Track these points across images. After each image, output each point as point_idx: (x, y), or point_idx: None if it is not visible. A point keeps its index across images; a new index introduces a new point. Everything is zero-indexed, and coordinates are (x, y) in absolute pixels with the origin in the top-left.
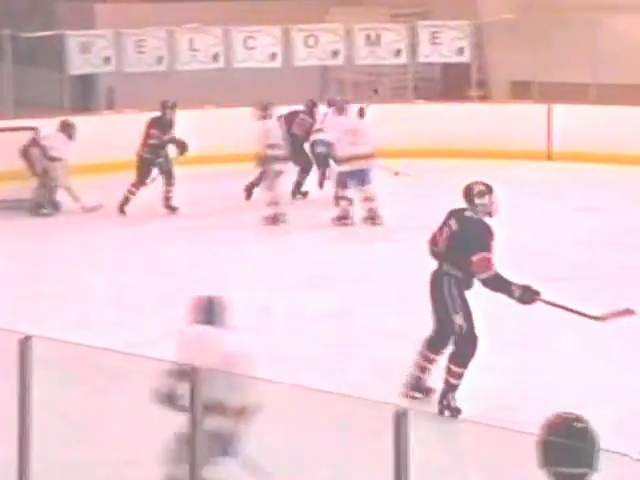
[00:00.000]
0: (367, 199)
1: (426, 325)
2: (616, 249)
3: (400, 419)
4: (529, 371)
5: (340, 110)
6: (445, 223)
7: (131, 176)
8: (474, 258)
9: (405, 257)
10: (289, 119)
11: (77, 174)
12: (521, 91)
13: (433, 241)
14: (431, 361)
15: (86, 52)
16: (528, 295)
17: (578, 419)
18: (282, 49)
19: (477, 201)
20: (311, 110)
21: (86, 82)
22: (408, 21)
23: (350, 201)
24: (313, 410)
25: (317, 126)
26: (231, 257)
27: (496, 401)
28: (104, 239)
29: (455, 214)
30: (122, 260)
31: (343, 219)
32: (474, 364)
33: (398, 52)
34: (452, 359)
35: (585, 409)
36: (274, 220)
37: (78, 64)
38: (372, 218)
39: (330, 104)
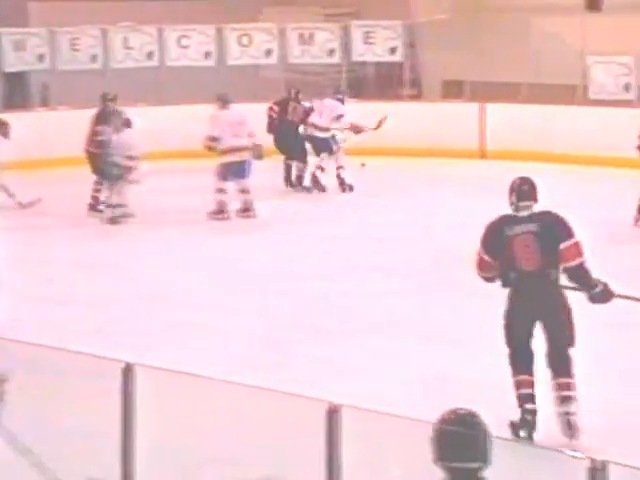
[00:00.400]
0: (243, 191)
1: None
2: None
3: (332, 416)
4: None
5: (223, 104)
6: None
7: (65, 173)
8: (563, 246)
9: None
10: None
11: (11, 170)
12: (453, 90)
13: (514, 265)
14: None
15: (20, 50)
16: (607, 293)
17: (470, 414)
18: (216, 48)
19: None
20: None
21: (20, 80)
22: (341, 21)
23: (225, 193)
24: (248, 406)
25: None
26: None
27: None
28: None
29: (519, 220)
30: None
31: (219, 213)
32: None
33: (332, 51)
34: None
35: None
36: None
37: (12, 62)
38: (246, 210)
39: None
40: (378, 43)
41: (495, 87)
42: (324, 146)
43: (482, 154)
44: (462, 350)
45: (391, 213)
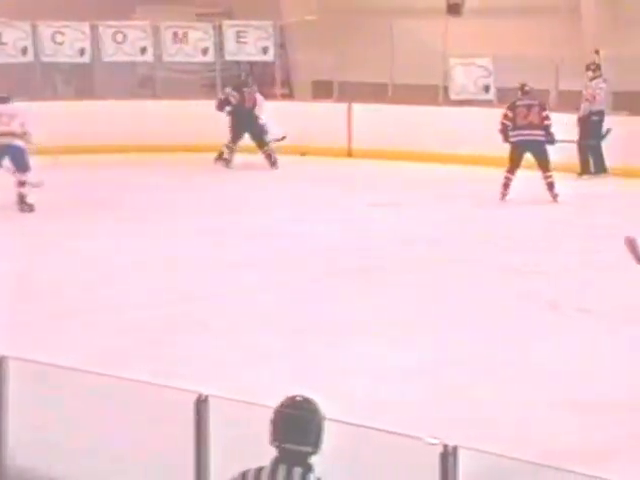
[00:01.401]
0: (19, 184)
1: None
2: (411, 244)
3: (201, 405)
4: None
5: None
6: None
7: None
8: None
9: None
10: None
11: None
12: (323, 90)
13: None
14: None
15: None
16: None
17: (307, 400)
18: (91, 45)
19: None
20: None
21: None
22: (214, 20)
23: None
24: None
25: None
26: None
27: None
28: None
29: None
30: None
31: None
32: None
33: (205, 50)
34: None
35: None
36: None
37: None
38: (21, 202)
39: None
40: (250, 43)
41: (363, 87)
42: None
43: (349, 153)
44: (334, 342)
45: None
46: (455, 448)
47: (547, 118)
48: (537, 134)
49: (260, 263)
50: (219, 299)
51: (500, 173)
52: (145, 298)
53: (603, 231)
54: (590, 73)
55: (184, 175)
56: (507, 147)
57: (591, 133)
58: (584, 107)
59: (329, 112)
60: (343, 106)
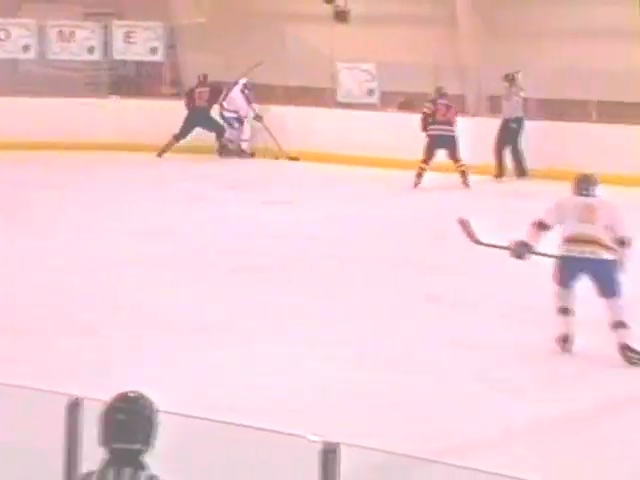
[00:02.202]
0: None
1: None
2: (307, 240)
3: (73, 409)
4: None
5: None
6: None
7: None
8: None
9: None
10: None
11: None
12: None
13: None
14: None
15: None
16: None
17: (135, 396)
18: None
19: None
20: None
21: None
22: (102, 20)
23: None
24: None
25: None
26: None
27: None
28: None
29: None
30: None
31: None
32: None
33: (91, 49)
34: None
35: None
36: None
37: None
38: None
39: None
40: (139, 43)
41: (255, 89)
42: None
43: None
44: (232, 341)
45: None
46: (336, 445)
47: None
48: (452, 130)
49: (151, 262)
50: (107, 296)
51: (387, 172)
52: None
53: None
54: (507, 83)
55: (62, 173)
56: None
57: (509, 138)
58: (509, 110)
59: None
60: None
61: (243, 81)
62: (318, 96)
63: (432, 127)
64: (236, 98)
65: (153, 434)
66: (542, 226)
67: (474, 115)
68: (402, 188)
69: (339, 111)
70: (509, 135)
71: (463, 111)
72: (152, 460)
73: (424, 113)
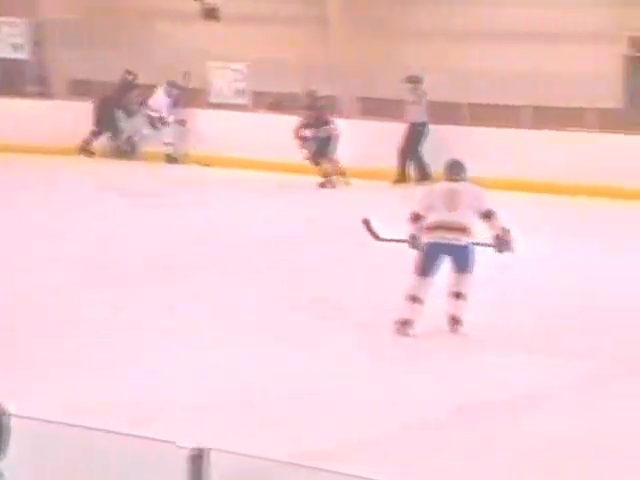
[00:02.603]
0: None
1: None
2: (198, 245)
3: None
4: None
5: None
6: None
7: None
8: None
9: None
10: None
11: None
12: (81, 90)
13: None
14: None
15: None
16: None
17: None
18: None
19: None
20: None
21: None
22: None
23: None
24: None
25: None
26: None
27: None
28: None
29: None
30: None
31: None
32: None
33: None
34: None
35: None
36: None
37: None
38: None
39: None
40: (2, 40)
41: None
42: None
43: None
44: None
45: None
46: (206, 451)
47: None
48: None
49: (43, 265)
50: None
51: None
52: None
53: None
54: (410, 85)
55: None
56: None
57: (414, 143)
58: (415, 115)
59: (87, 112)
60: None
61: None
62: (192, 97)
63: (314, 130)
64: (160, 97)
65: (6, 441)
66: (417, 217)
67: (347, 117)
68: (273, 190)
69: (211, 112)
70: (415, 140)
71: (335, 113)
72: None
73: (305, 125)
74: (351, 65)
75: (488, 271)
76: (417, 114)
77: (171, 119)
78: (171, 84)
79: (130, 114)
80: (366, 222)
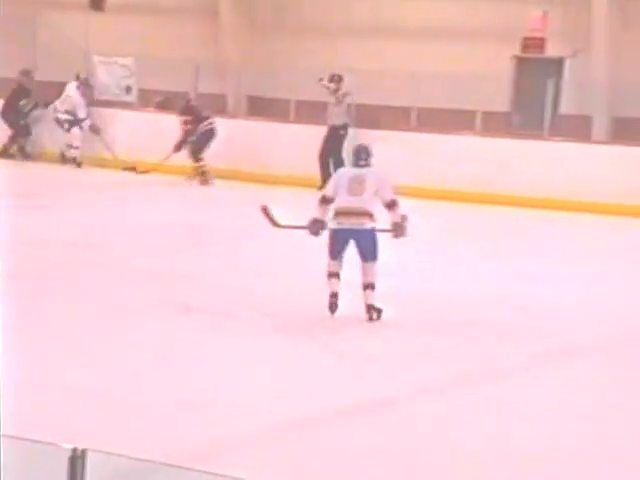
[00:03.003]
0: None
1: None
2: (61, 248)
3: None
4: None
5: None
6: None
7: None
8: None
9: None
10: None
11: None
12: None
13: None
14: None
15: None
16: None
17: None
18: None
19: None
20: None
21: None
22: None
23: None
24: None
25: None
26: None
27: None
28: None
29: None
30: None
31: None
32: None
33: None
34: None
35: None
36: None
37: None
38: None
39: None
40: None
41: (4, 83)
42: None
43: None
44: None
45: None
46: (84, 451)
47: None
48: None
49: None
50: None
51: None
52: None
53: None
54: (333, 85)
55: None
56: None
57: (336, 146)
58: (337, 116)
59: None
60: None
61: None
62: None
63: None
64: (73, 96)
65: None
66: (325, 200)
67: (233, 116)
68: (155, 192)
69: (95, 109)
70: (336, 143)
71: (223, 111)
72: None
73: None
74: (241, 63)
75: None
76: (340, 116)
77: (86, 124)
78: (84, 82)
79: (24, 119)
80: (264, 209)
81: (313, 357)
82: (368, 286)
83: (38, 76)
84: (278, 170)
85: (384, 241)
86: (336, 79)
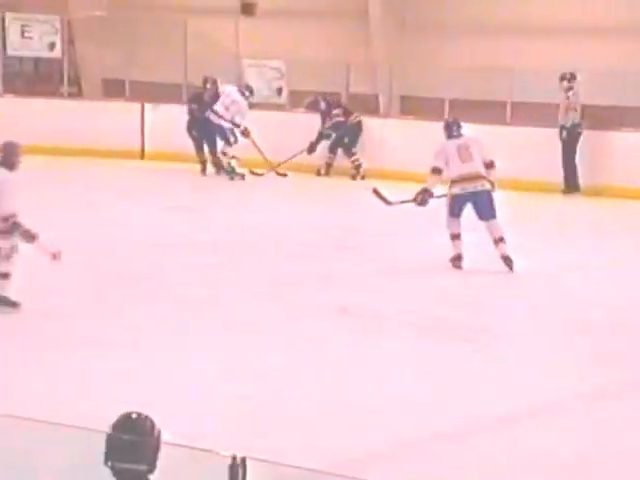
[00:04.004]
0: None
1: None
2: (205, 250)
3: None
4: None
5: None
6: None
7: None
8: None
9: None
10: None
11: None
12: (113, 89)
13: None
14: None
15: None
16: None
17: (142, 417)
18: None
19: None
20: None
21: None
22: None
23: None
24: None
25: None
26: None
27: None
28: None
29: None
30: None
31: None
32: None
33: None
34: None
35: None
36: None
37: None
38: None
39: None
40: (35, 38)
41: (155, 87)
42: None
43: (142, 155)
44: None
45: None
46: (243, 459)
47: None
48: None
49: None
50: None
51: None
52: None
53: None
54: (565, 83)
55: None
56: None
57: (573, 147)
58: (572, 117)
59: (120, 112)
60: (136, 106)
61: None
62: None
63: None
64: (240, 103)
65: (157, 454)
66: (437, 170)
67: (386, 116)
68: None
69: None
70: (574, 143)
71: (375, 111)
72: None
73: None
74: (393, 62)
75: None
76: (572, 115)
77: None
78: (248, 87)
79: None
80: (375, 190)
81: (465, 359)
82: (498, 240)
83: (190, 79)
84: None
85: None
86: (567, 77)
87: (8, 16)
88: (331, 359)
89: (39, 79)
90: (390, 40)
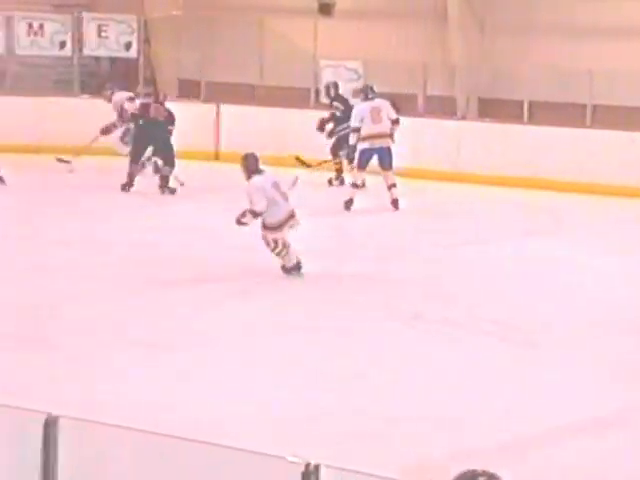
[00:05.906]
0: None
1: None
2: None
3: (49, 427)
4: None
5: None
6: None
7: None
8: None
9: None
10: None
11: None
12: (189, 90)
13: None
14: None
15: None
16: None
17: (487, 474)
18: None
19: None
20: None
21: None
22: (72, 12)
23: None
24: None
25: None
26: None
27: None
28: None
29: None
30: None
31: None
32: None
33: (63, 44)
34: None
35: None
36: None
37: None
38: None
39: None
40: (112, 37)
41: (231, 88)
42: None
43: (216, 156)
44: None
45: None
46: (317, 466)
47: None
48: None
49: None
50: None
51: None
52: None
53: None
54: None
55: (31, 176)
56: None
57: None
58: None
59: (196, 113)
60: (211, 107)
61: None
62: (300, 96)
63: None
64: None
65: None
66: (356, 130)
67: (463, 118)
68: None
69: (323, 113)
70: None
71: (453, 113)
72: None
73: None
74: (470, 64)
75: None
76: None
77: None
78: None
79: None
80: (297, 158)
81: (538, 367)
82: (391, 186)
83: (265, 81)
84: (512, 172)
85: None
86: None
87: (85, 16)
88: (404, 364)
89: (115, 79)
90: (468, 41)
